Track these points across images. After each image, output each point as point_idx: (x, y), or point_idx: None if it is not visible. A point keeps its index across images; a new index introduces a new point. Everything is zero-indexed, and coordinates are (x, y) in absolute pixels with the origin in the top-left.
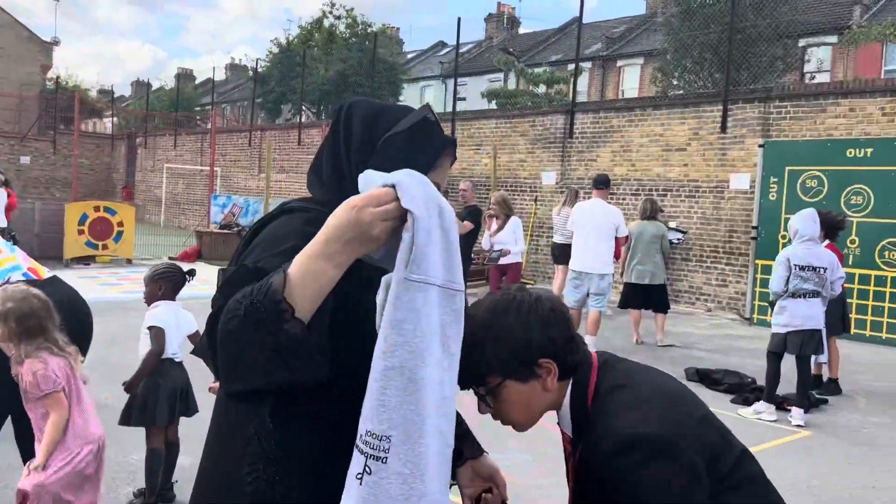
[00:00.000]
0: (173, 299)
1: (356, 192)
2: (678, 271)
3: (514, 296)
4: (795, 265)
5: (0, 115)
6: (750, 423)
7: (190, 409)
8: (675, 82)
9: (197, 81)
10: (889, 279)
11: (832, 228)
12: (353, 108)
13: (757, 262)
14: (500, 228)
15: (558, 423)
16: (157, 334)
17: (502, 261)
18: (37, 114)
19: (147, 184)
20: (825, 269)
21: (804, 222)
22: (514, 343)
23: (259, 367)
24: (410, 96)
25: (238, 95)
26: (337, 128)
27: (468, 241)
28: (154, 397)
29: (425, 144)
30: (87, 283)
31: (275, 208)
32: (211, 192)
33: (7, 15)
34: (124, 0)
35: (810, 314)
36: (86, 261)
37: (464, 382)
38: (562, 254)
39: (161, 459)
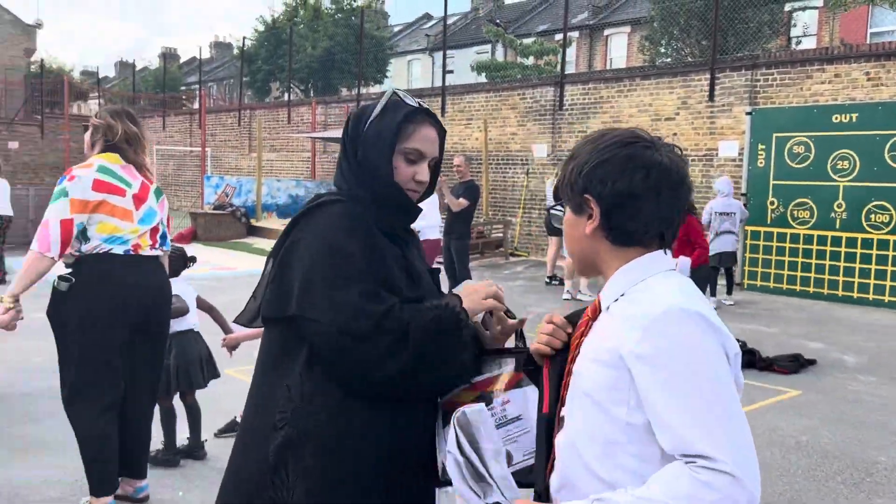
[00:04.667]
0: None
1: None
2: None
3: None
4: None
5: None
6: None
7: (203, 377)
8: (662, 50)
9: (181, 60)
10: (875, 241)
11: (690, 208)
12: (351, 116)
13: (746, 228)
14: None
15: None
16: (178, 301)
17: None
18: (22, 98)
19: None
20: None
21: (722, 185)
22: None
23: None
24: (397, 71)
25: (223, 74)
26: (344, 134)
27: (465, 217)
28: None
29: (391, 118)
30: None
31: (311, 200)
32: (203, 173)
33: None
34: None
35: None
36: None
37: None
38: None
39: (172, 416)
